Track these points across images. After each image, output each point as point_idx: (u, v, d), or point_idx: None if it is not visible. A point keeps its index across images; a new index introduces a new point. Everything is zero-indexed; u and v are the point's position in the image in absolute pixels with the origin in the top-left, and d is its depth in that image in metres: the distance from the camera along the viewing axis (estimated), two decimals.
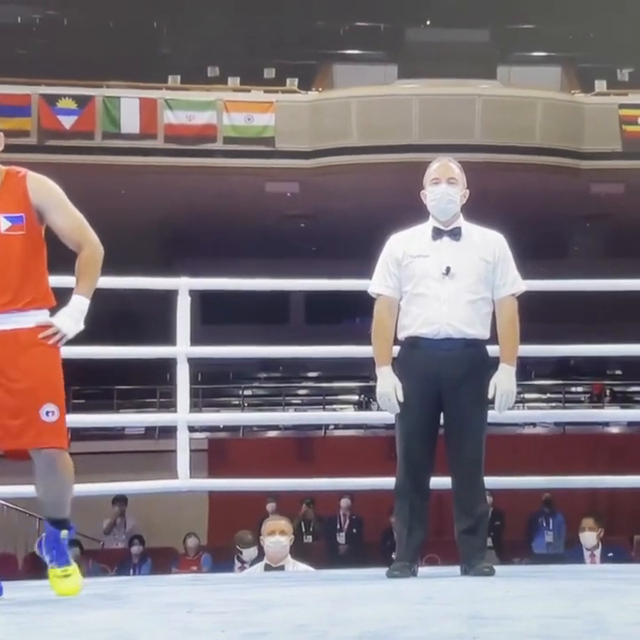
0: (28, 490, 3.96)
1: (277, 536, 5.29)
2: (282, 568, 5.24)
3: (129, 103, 13.81)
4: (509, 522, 11.53)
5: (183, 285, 4.64)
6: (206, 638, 2.28)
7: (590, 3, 16.38)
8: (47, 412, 3.14)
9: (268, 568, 5.30)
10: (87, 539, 10.92)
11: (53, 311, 3.25)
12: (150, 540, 11.29)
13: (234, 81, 14.87)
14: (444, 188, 3.83)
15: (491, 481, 4.02)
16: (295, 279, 6.23)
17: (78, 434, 10.51)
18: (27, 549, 11.90)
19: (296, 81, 14.72)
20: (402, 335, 3.84)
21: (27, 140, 13.36)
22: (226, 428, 14.20)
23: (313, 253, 15.66)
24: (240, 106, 14.09)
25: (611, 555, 7.65)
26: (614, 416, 14.20)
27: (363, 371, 13.81)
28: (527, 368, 14.76)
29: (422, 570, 3.88)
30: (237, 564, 7.08)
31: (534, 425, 14.08)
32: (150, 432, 13.15)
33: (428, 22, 17.31)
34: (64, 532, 3.21)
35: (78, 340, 3.35)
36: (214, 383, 15.01)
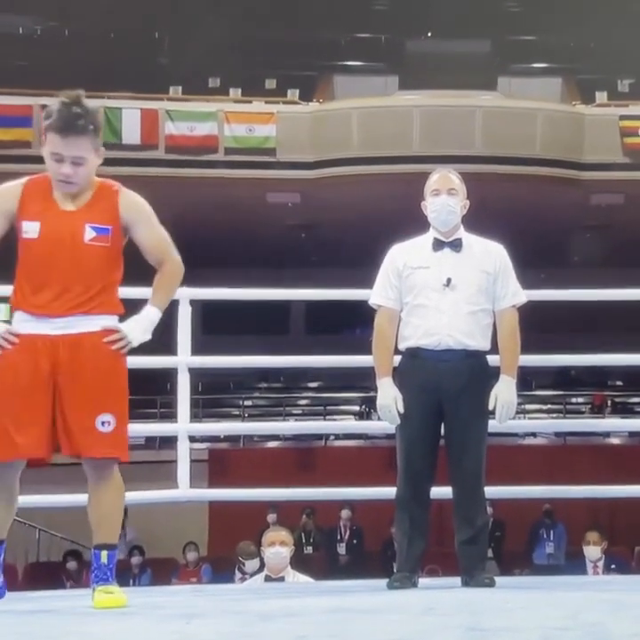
0: (29, 500, 3.97)
1: (278, 547, 5.28)
2: (282, 579, 5.23)
3: (130, 114, 13.85)
4: (510, 532, 11.51)
5: (184, 295, 4.65)
6: None
7: (590, 14, 16.42)
8: (102, 422, 3.11)
9: (268, 579, 5.29)
10: (88, 549, 10.91)
11: (122, 318, 3.25)
12: (150, 550, 11.27)
13: (235, 92, 14.92)
14: (445, 199, 3.84)
15: (491, 491, 4.02)
16: (296, 289, 6.25)
17: None
18: (27, 560, 11.90)
19: (297, 92, 14.76)
20: (402, 346, 3.84)
21: (28, 151, 13.36)
22: (226, 438, 14.20)
23: (314, 263, 15.67)
24: (241, 117, 14.12)
25: (613, 567, 7.68)
26: (615, 426, 14.15)
27: (363, 381, 13.80)
28: (528, 378, 14.75)
29: (423, 581, 3.87)
30: (238, 574, 7.08)
31: (535, 435, 14.07)
32: (151, 442, 13.13)
33: (429, 34, 17.36)
34: (104, 554, 3.18)
35: None
36: (215, 393, 15.01)
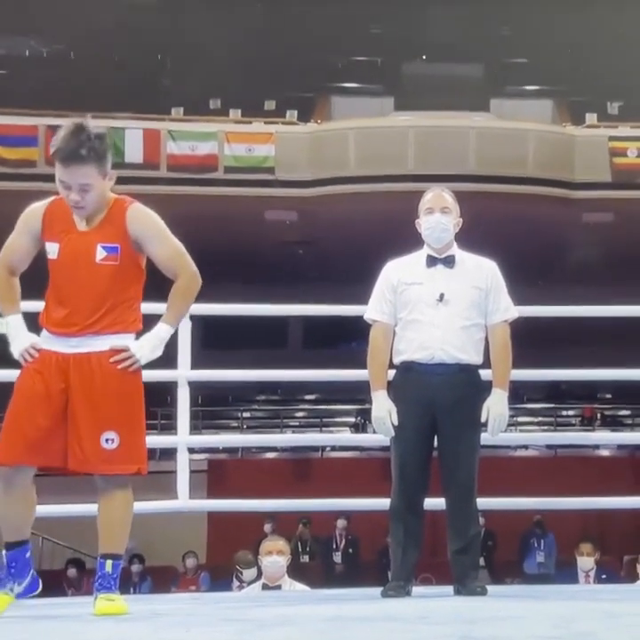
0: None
1: (275, 556, 5.27)
2: (279, 587, 5.21)
3: (133, 134, 13.88)
4: (502, 542, 11.49)
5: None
6: None
7: (581, 39, 16.49)
8: (107, 440, 3.12)
9: (265, 587, 5.27)
10: (89, 557, 10.87)
11: (140, 334, 3.24)
12: (150, 558, 11.24)
13: (235, 113, 14.95)
14: (438, 217, 3.84)
15: (483, 502, 4.01)
16: (293, 305, 6.24)
17: None
18: None
19: (295, 113, 14.80)
20: (397, 360, 3.84)
21: (34, 170, 13.39)
22: (225, 450, 14.16)
23: (311, 279, 15.66)
24: (241, 137, 14.15)
25: (604, 576, 7.70)
26: (604, 439, 14.21)
27: (359, 394, 13.78)
28: (519, 392, 14.74)
29: (416, 589, 3.86)
30: (236, 583, 7.04)
31: (526, 447, 14.05)
32: (151, 453, 13.04)
33: (424, 57, 17.41)
34: (108, 563, 3.18)
35: None
36: (214, 405, 14.99)
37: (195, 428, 7.87)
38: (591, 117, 14.84)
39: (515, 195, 13.83)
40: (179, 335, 4.62)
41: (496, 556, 11.45)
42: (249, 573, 6.75)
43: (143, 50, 16.58)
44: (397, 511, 3.78)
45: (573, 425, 16.08)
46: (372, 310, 3.89)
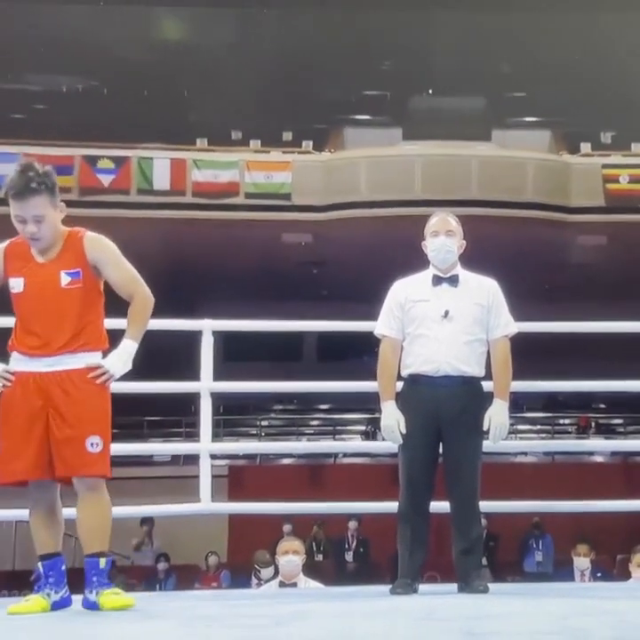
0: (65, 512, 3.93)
1: (291, 555, 5.24)
2: (295, 585, 5.18)
3: (161, 163, 13.94)
4: (503, 543, 11.41)
5: (207, 327, 4.65)
6: None
7: (576, 74, 16.48)
8: (92, 444, 3.17)
9: (282, 585, 5.24)
10: (118, 556, 10.85)
11: (106, 352, 3.30)
12: (175, 557, 11.20)
13: (255, 143, 14.98)
14: (443, 239, 3.84)
15: (485, 505, 3.99)
16: (308, 321, 6.22)
17: (111, 461, 10.45)
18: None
19: (311, 143, 14.82)
20: (405, 372, 3.82)
21: (69, 196, 13.39)
22: (244, 456, 14.13)
23: (324, 297, 15.66)
24: (260, 165, 14.18)
25: (599, 575, 7.65)
26: (599, 446, 14.10)
27: (369, 404, 13.74)
28: (519, 402, 14.67)
29: (423, 587, 3.84)
30: (255, 581, 7.01)
31: (526, 454, 13.97)
32: (176, 459, 13.09)
33: (430, 90, 17.43)
34: (102, 560, 3.19)
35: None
36: (234, 415, 14.95)
37: (216, 436, 7.83)
38: (586, 146, 14.82)
39: (515, 218, 13.81)
40: (202, 349, 4.63)
41: (497, 556, 11.36)
42: (267, 572, 6.72)
43: (170, 86, 16.66)
44: (405, 514, 3.76)
45: (570, 433, 15.98)
46: (381, 326, 3.88)
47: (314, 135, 15.27)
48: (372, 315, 4.02)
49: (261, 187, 13.99)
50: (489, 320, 3.82)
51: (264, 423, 16.23)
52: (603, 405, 16.74)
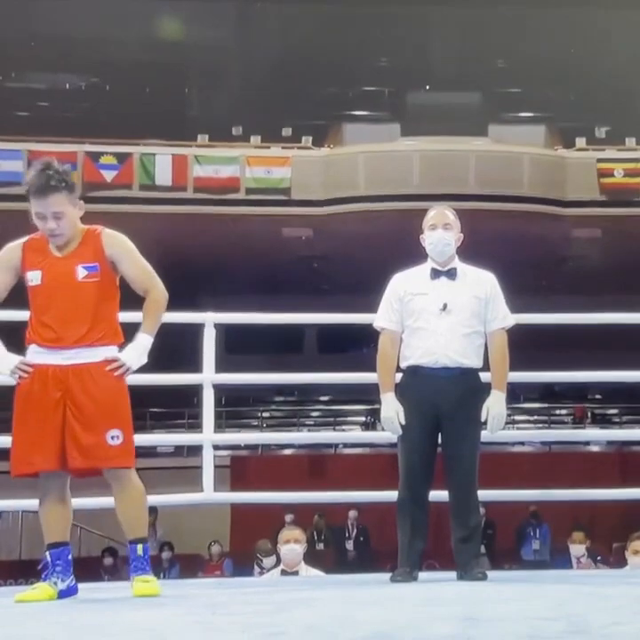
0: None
1: (292, 544, 5.24)
2: (296, 573, 5.19)
3: (163, 159, 13.92)
4: (500, 531, 11.43)
5: (209, 319, 4.64)
6: (229, 637, 2.26)
7: (571, 69, 16.46)
8: (112, 437, 3.20)
9: (283, 573, 5.25)
10: (123, 545, 10.86)
11: (122, 345, 3.33)
12: (179, 546, 11.22)
13: (255, 139, 14.96)
14: (441, 232, 3.83)
15: (484, 494, 3.99)
16: (308, 314, 6.22)
17: None
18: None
19: (310, 139, 14.80)
20: (404, 364, 3.82)
21: None
22: (246, 447, 14.14)
23: (324, 291, 15.66)
24: (260, 161, 14.17)
25: (599, 558, 7.69)
26: (594, 436, 14.05)
27: (369, 395, 13.73)
28: (516, 393, 14.68)
29: (422, 575, 3.84)
30: (257, 569, 7.02)
31: (523, 444, 13.98)
32: (179, 450, 13.11)
33: (427, 87, 17.41)
34: (139, 547, 3.24)
35: None
36: (236, 406, 14.97)
37: (218, 427, 7.82)
38: (581, 141, 14.81)
39: (511, 212, 13.81)
40: (204, 342, 4.63)
41: (496, 544, 11.38)
42: (268, 561, 6.73)
43: (171, 82, 16.64)
44: (404, 503, 3.76)
45: (566, 423, 15.99)
46: (380, 319, 3.88)
47: (313, 131, 15.25)
48: (371, 308, 4.01)
49: (261, 182, 13.98)
50: (487, 312, 3.82)
51: (265, 414, 16.25)
52: (598, 396, 16.76)
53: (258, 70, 16.19)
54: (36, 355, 3.25)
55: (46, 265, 3.27)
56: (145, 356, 3.32)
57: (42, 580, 3.25)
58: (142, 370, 3.48)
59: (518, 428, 14.43)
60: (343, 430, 15.13)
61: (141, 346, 3.31)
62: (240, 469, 13.19)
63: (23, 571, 10.12)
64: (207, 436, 4.71)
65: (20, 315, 3.52)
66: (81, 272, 3.25)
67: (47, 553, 3.26)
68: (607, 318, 5.16)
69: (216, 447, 4.86)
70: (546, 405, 16.22)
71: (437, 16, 16.62)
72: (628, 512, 9.66)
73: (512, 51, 16.74)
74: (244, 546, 9.78)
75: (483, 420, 3.76)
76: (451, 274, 3.83)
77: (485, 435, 3.84)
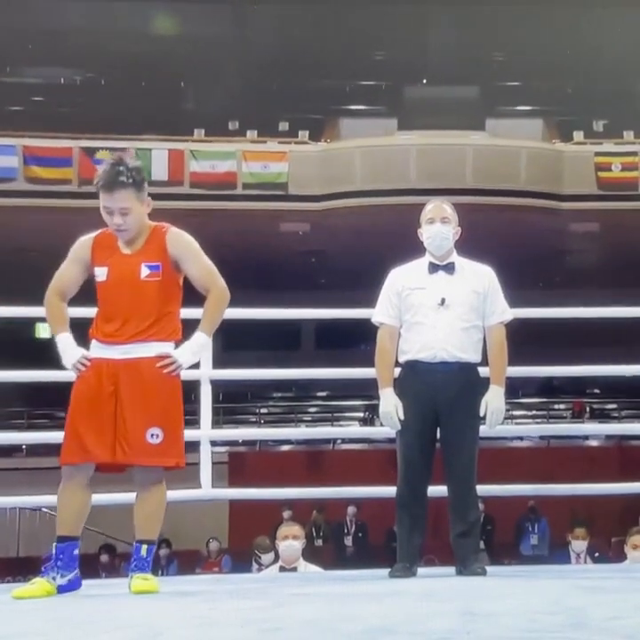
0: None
1: (291, 540, 5.24)
2: (295, 569, 5.19)
3: (159, 154, 13.90)
4: (499, 526, 11.44)
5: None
6: (227, 632, 2.26)
7: (569, 63, 16.45)
8: (152, 435, 3.23)
9: (282, 569, 5.25)
10: (122, 542, 10.87)
11: (180, 343, 3.37)
12: (177, 543, 11.22)
13: (252, 134, 14.95)
14: (439, 226, 3.83)
15: (482, 489, 3.99)
16: (306, 309, 6.22)
17: None
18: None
19: (307, 133, 14.79)
20: (402, 359, 3.82)
21: (68, 188, 13.43)
22: (244, 443, 14.15)
23: (322, 286, 15.66)
24: (257, 155, 14.15)
25: (597, 555, 7.67)
26: (593, 430, 14.13)
27: (367, 390, 13.75)
28: (515, 387, 14.69)
29: (421, 570, 3.85)
30: (255, 566, 7.02)
31: (521, 439, 14.00)
32: None
33: (424, 80, 17.40)
34: (144, 548, 3.26)
35: None
36: (234, 402, 14.98)
37: (216, 423, 7.82)
38: (578, 135, 14.80)
39: (508, 206, 13.80)
40: None
41: (494, 539, 11.40)
42: (267, 557, 6.73)
43: (167, 77, 16.61)
44: (403, 498, 3.77)
45: (565, 418, 16.02)
46: (378, 314, 3.88)
47: (310, 125, 15.23)
48: (369, 303, 4.01)
49: (258, 177, 13.97)
50: (485, 307, 3.82)
51: (263, 410, 16.25)
52: (597, 391, 16.77)
53: (254, 64, 16.17)
54: (96, 349, 3.32)
55: (113, 261, 3.33)
56: (199, 354, 3.39)
57: (40, 575, 3.25)
58: None
59: (517, 423, 14.42)
60: (341, 426, 15.13)
61: (196, 344, 3.35)
62: (238, 465, 13.19)
63: (21, 568, 10.12)
64: (205, 431, 4.71)
65: (93, 311, 3.54)
66: (144, 271, 3.31)
67: (54, 545, 3.28)
68: (605, 312, 5.16)
69: (214, 443, 4.86)
70: (545, 400, 16.24)
71: (434, 9, 16.60)
72: (627, 507, 9.69)
73: (509, 44, 16.73)
74: (243, 542, 9.79)
75: (481, 414, 3.76)
76: (449, 268, 3.83)
77: (484, 429, 3.84)
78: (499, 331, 3.84)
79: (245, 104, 15.84)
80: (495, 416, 3.76)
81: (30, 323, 15.26)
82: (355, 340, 14.67)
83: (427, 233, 3.85)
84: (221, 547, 11.15)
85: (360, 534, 11.66)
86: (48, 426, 12.71)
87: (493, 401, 3.77)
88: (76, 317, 3.54)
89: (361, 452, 13.77)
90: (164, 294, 3.32)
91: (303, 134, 14.75)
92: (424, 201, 4.03)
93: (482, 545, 8.64)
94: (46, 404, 13.54)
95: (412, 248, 3.98)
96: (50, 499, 3.61)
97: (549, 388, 16.28)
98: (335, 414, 15.89)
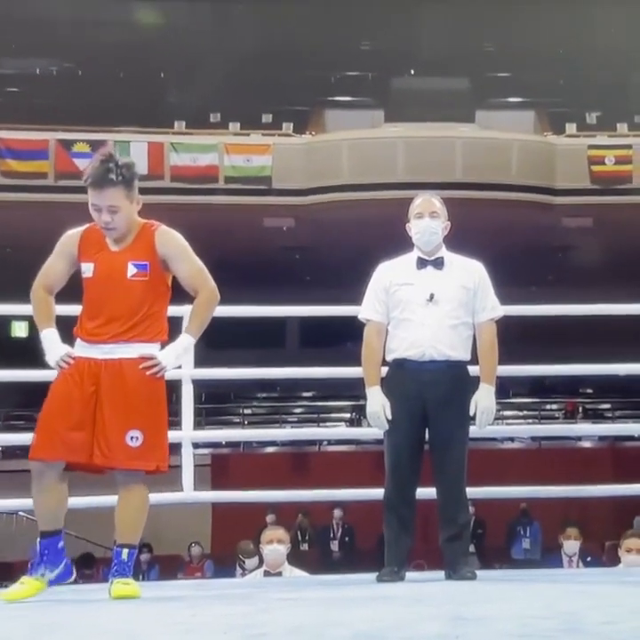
0: None
1: (275, 544, 5.24)
2: (279, 574, 5.19)
3: (138, 147, 13.84)
4: (490, 530, 11.48)
5: (187, 313, 4.62)
6: (210, 639, 2.26)
7: (560, 53, 16.50)
8: (131, 437, 3.23)
9: (266, 574, 5.25)
10: (101, 547, 10.84)
11: (166, 344, 3.37)
12: (158, 548, 11.21)
13: (234, 126, 14.92)
14: (427, 221, 3.84)
15: (472, 492, 4.00)
16: (291, 306, 6.22)
17: None
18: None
19: (291, 125, 14.78)
20: (389, 357, 3.82)
21: (44, 182, 13.38)
22: (227, 445, 14.14)
23: (307, 282, 15.65)
24: (240, 148, 14.13)
25: (589, 559, 7.64)
26: (586, 431, 14.19)
27: (353, 390, 13.77)
28: (506, 387, 14.73)
29: (409, 574, 3.85)
30: (239, 571, 7.03)
31: (512, 440, 14.05)
32: None
33: (412, 71, 17.40)
34: (125, 552, 3.26)
35: None
36: (217, 402, 14.96)
37: (198, 424, 7.82)
38: (571, 127, 14.84)
39: (499, 201, 13.83)
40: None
41: (485, 543, 11.43)
42: (251, 562, 6.73)
43: (147, 67, 16.56)
44: (391, 501, 3.77)
45: (557, 418, 16.08)
46: (365, 310, 3.88)
47: (294, 117, 15.22)
48: (356, 299, 4.01)
49: (241, 170, 13.95)
50: (475, 303, 3.82)
51: (247, 411, 16.25)
52: (590, 390, 16.84)
53: (237, 54, 16.14)
54: (79, 348, 3.32)
55: (100, 258, 3.33)
56: (183, 357, 3.40)
57: (28, 574, 3.27)
58: None
59: (508, 424, 14.45)
60: (327, 427, 15.15)
61: (180, 347, 3.35)
62: (221, 468, 13.19)
63: (11, 573, 10.07)
64: (187, 433, 4.71)
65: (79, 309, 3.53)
66: (131, 270, 3.30)
67: (38, 542, 3.29)
68: (599, 309, 5.18)
69: (196, 445, 4.86)
70: (536, 400, 16.29)
71: None
72: (621, 509, 9.74)
73: (500, 34, 16.76)
74: (226, 547, 9.79)
75: (471, 414, 3.77)
76: (437, 263, 3.84)
77: (474, 430, 3.85)
78: (489, 328, 3.85)
79: (227, 95, 15.81)
80: (485, 416, 3.77)
81: (5, 321, 15.19)
82: (341, 338, 14.65)
83: (415, 228, 3.85)
84: (204, 551, 11.15)
85: (347, 538, 11.67)
86: (25, 428, 12.65)
87: (483, 400, 3.77)
88: (62, 315, 3.54)
89: (348, 454, 13.78)
90: (151, 294, 3.32)
91: (287, 126, 14.74)
92: (412, 195, 4.03)
93: (472, 548, 8.68)
94: (23, 404, 13.49)
95: (401, 243, 3.98)
96: (27, 502, 3.60)
97: (541, 387, 16.33)
98: (321, 415, 15.90)
